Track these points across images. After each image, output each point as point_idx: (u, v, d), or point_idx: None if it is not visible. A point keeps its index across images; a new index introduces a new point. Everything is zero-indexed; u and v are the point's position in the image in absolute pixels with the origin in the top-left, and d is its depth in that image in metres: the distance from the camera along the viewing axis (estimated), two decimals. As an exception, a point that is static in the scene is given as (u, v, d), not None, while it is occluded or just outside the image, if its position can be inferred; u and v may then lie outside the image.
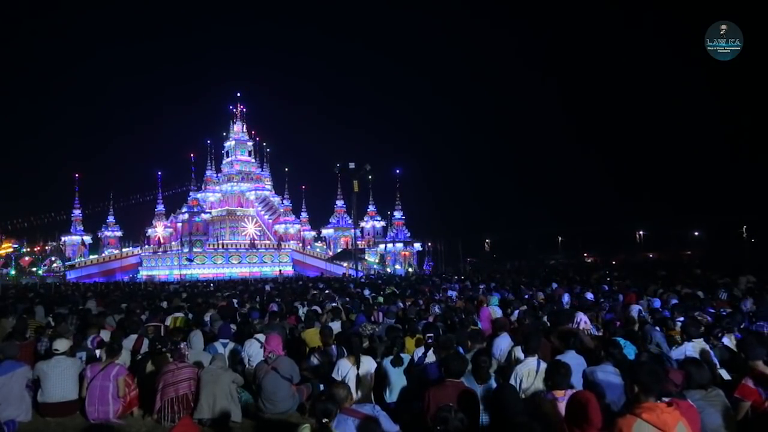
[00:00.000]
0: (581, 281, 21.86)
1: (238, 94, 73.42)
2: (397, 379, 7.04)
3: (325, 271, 58.02)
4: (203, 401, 6.78)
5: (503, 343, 8.15)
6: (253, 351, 8.57)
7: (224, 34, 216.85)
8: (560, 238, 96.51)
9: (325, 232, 71.18)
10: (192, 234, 58.30)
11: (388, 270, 60.28)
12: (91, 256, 62.74)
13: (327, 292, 20.58)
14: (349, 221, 65.97)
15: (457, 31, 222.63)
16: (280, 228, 66.33)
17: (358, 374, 6.99)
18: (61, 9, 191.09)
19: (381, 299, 15.97)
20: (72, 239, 63.52)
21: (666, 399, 4.29)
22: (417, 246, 70.57)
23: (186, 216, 60.19)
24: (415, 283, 27.20)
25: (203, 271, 55.67)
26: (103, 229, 65.61)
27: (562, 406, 5.04)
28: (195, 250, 57.58)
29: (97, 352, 8.66)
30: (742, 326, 9.08)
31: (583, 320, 10.10)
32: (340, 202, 69.98)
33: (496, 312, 11.66)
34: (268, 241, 65.28)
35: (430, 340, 7.81)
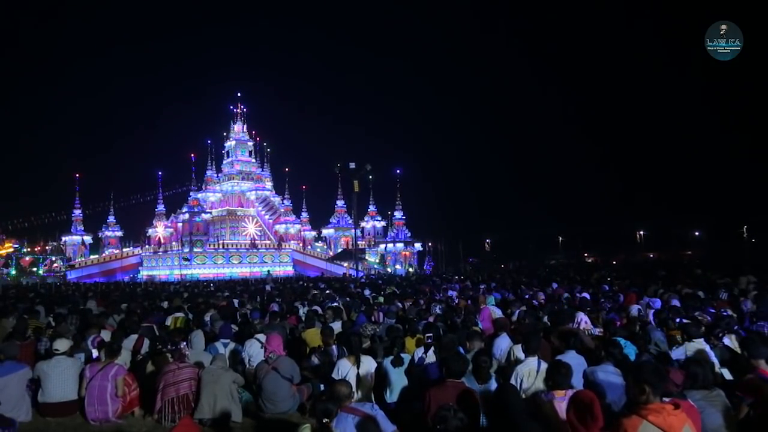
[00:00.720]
0: (581, 281, 21.85)
1: (239, 94, 73.48)
2: (398, 379, 7.04)
3: (326, 271, 57.99)
4: (204, 401, 6.79)
5: (504, 343, 8.15)
6: (254, 351, 8.57)
7: (224, 35, 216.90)
8: (560, 238, 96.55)
9: (325, 232, 71.14)
10: (192, 234, 58.30)
11: (389, 270, 60.28)
12: (92, 256, 62.73)
13: (327, 292, 20.59)
14: (350, 221, 65.92)
15: (458, 31, 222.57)
16: (280, 228, 66.30)
17: (358, 374, 6.99)
18: (62, 9, 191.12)
19: (381, 299, 15.97)
20: (72, 239, 63.47)
21: (667, 399, 4.26)
22: (417, 246, 70.53)
23: (186, 216, 60.16)
24: (416, 283, 27.20)
25: (204, 271, 55.63)
26: (103, 229, 65.56)
27: (562, 406, 5.04)
28: (195, 250, 57.57)
29: (94, 352, 8.67)
30: (743, 326, 9.07)
31: (583, 320, 10.10)
32: (340, 202, 69.93)
33: (496, 312, 11.67)
34: (268, 241, 65.26)
35: (429, 340, 7.83)
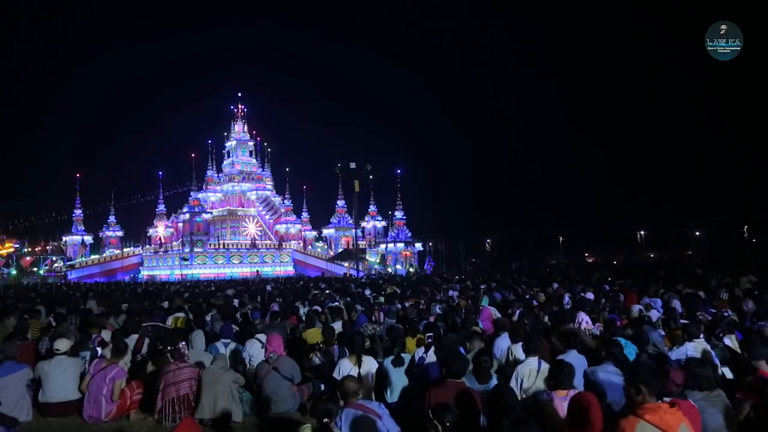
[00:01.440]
0: (582, 281, 21.82)
1: (239, 94, 73.68)
2: (398, 379, 7.04)
3: (326, 271, 58.01)
4: (204, 401, 6.79)
5: (504, 343, 8.14)
6: (255, 351, 8.57)
7: (225, 35, 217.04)
8: (561, 238, 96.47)
9: (326, 232, 71.15)
10: (193, 234, 58.35)
11: (389, 270, 60.26)
12: (92, 256, 62.79)
13: (328, 292, 20.58)
14: (350, 221, 65.95)
15: (458, 30, 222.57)
16: (281, 228, 66.32)
17: (359, 374, 6.99)
18: (63, 9, 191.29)
19: (382, 299, 15.96)
20: (73, 239, 63.50)
21: (667, 399, 4.27)
22: (418, 246, 70.55)
23: (187, 216, 60.21)
24: (416, 283, 27.19)
25: (204, 271, 55.68)
26: (104, 229, 65.61)
27: (564, 406, 5.04)
28: (196, 250, 57.61)
29: (99, 350, 8.66)
30: (743, 326, 9.06)
31: (584, 320, 10.09)
32: (341, 202, 69.95)
33: (494, 312, 11.68)
34: (269, 241, 65.29)
35: (430, 340, 7.83)
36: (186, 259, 55.16)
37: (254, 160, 73.35)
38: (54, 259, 62.29)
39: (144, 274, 58.67)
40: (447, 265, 70.56)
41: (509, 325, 9.24)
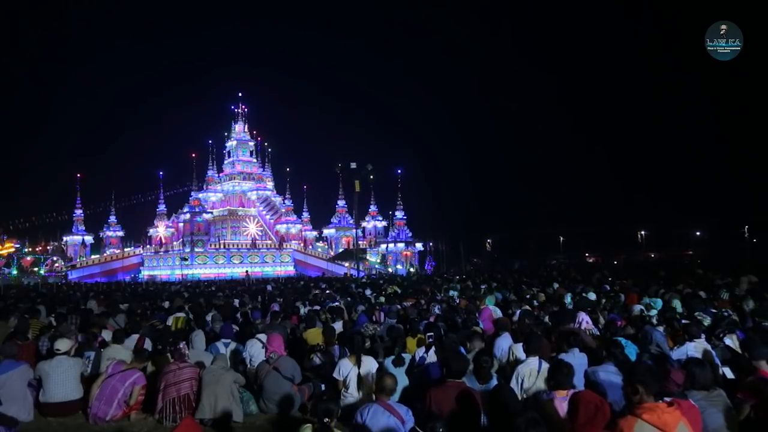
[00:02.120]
0: (583, 281, 21.83)
1: (240, 94, 73.59)
2: (399, 379, 7.03)
3: (327, 271, 58.02)
4: (205, 401, 6.79)
5: (505, 343, 8.14)
6: (255, 351, 8.58)
7: (226, 35, 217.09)
8: (561, 238, 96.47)
9: (326, 232, 71.08)
10: (193, 234, 58.34)
11: (390, 270, 60.24)
12: (93, 256, 62.75)
13: (328, 292, 20.59)
14: (351, 221, 65.91)
15: (458, 30, 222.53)
16: (281, 228, 66.29)
17: (359, 374, 6.99)
18: (63, 9, 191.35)
19: (383, 299, 15.97)
20: (73, 239, 63.45)
21: (667, 399, 4.28)
22: (419, 246, 70.50)
23: (188, 216, 60.17)
24: (417, 283, 27.19)
25: (205, 271, 55.66)
26: (104, 229, 65.52)
27: (563, 406, 5.04)
28: (197, 250, 57.60)
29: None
30: (744, 326, 9.05)
31: (585, 320, 10.09)
32: (341, 202, 69.83)
33: (495, 312, 11.68)
34: (269, 241, 65.28)
35: (430, 340, 7.83)
36: (186, 259, 55.13)
37: (255, 160, 73.36)
38: (54, 259, 62.27)
39: (144, 274, 58.63)
40: (447, 265, 70.50)
41: (510, 325, 9.25)
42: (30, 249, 63.40)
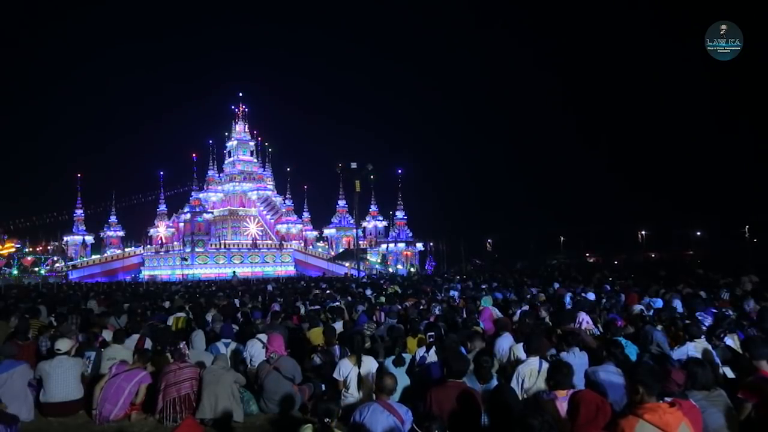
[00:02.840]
0: (583, 281, 21.83)
1: (240, 94, 73.55)
2: (399, 379, 7.03)
3: (327, 271, 58.00)
4: (205, 401, 6.79)
5: (505, 343, 8.15)
6: (256, 351, 8.58)
7: (226, 34, 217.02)
8: (562, 238, 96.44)
9: (327, 231, 71.10)
10: (194, 234, 58.36)
11: (390, 270, 60.25)
12: (94, 256, 62.80)
13: (329, 292, 20.60)
14: (351, 221, 65.94)
15: (459, 29, 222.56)
16: (282, 228, 66.33)
17: (359, 374, 7.00)
18: (63, 9, 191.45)
19: (383, 299, 15.98)
20: (74, 239, 63.53)
21: (668, 399, 4.28)
22: (419, 246, 70.50)
23: (188, 216, 60.19)
24: (417, 283, 27.20)
25: (205, 271, 55.67)
26: (105, 229, 65.58)
27: (564, 406, 5.04)
28: (197, 250, 57.62)
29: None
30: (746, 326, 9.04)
31: (585, 320, 10.10)
32: (342, 202, 69.84)
33: (495, 312, 11.69)
34: (270, 241, 65.27)
35: (431, 340, 7.83)
36: (186, 259, 55.17)
37: (255, 160, 73.37)
38: (55, 259, 62.27)
39: (145, 274, 58.63)
40: (448, 264, 70.51)
41: (510, 325, 9.26)
42: (30, 249, 63.35)
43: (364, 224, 69.64)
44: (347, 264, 58.10)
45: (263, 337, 8.74)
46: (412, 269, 62.65)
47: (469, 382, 5.85)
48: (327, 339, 8.67)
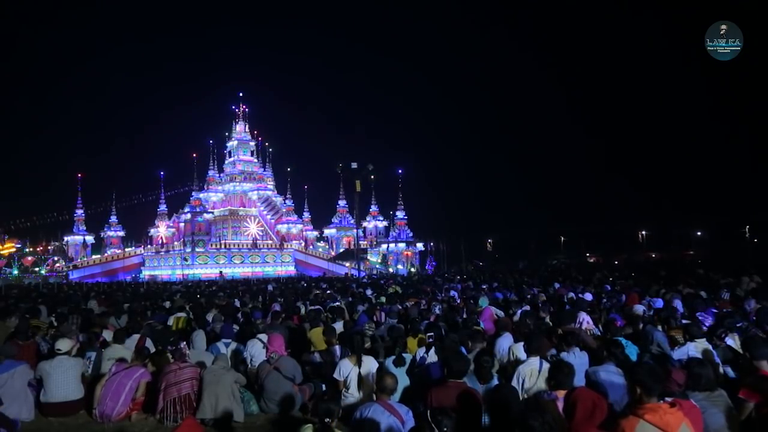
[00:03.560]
0: (583, 281, 21.82)
1: (240, 94, 73.56)
2: (399, 379, 7.03)
3: (328, 271, 58.00)
4: (206, 401, 6.79)
5: (506, 343, 8.15)
6: (256, 351, 8.57)
7: (226, 35, 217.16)
8: (562, 238, 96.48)
9: (327, 232, 71.11)
10: (194, 234, 58.34)
11: (391, 270, 60.24)
12: (94, 256, 62.79)
13: (329, 292, 20.60)
14: (352, 221, 65.96)
15: (459, 30, 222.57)
16: (282, 228, 66.32)
17: (359, 374, 7.00)
18: (63, 9, 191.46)
19: (383, 299, 15.98)
20: (74, 239, 63.51)
21: (669, 399, 4.28)
22: (419, 246, 70.48)
23: (188, 216, 60.17)
24: (418, 283, 27.19)
25: (206, 271, 55.68)
26: (105, 229, 65.59)
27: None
28: (197, 250, 57.60)
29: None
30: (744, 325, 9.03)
31: (585, 320, 10.09)
32: (342, 202, 69.87)
33: (495, 312, 11.68)
34: (270, 241, 65.26)
35: (431, 340, 7.83)
36: (186, 260, 55.20)
37: (255, 160, 73.37)
38: (55, 259, 62.30)
39: (145, 274, 58.69)
40: (448, 265, 70.49)
41: (511, 325, 9.26)
42: (31, 249, 63.37)
43: (365, 224, 69.65)
44: (348, 264, 58.12)
45: (263, 337, 8.74)
46: (412, 269, 62.64)
47: (469, 382, 5.84)
48: (327, 339, 8.68)
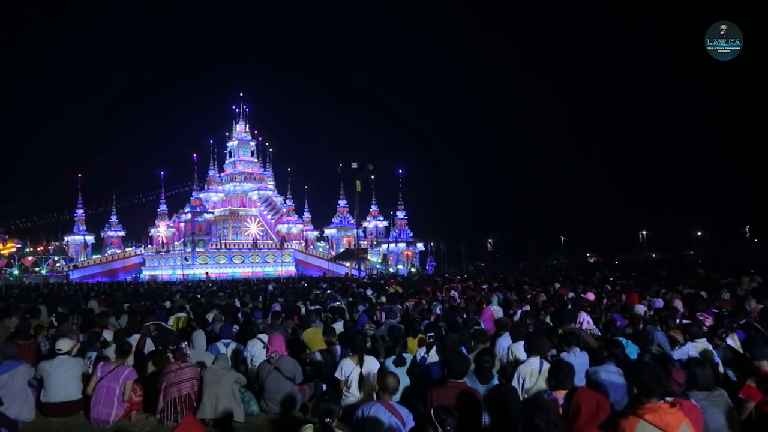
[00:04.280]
0: (584, 281, 21.82)
1: (241, 94, 73.63)
2: (400, 379, 7.03)
3: (328, 271, 58.05)
4: (206, 401, 6.79)
5: (506, 343, 8.14)
6: (256, 351, 8.57)
7: (227, 35, 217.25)
8: (563, 238, 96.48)
9: (327, 231, 71.13)
10: (195, 234, 58.38)
11: (391, 270, 60.24)
12: (94, 256, 62.85)
13: (329, 292, 20.60)
14: (352, 221, 65.98)
15: (459, 30, 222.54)
16: (282, 228, 66.35)
17: (361, 374, 6.99)
18: (63, 8, 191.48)
19: (384, 299, 15.98)
20: (75, 239, 63.55)
21: (669, 399, 4.28)
22: (420, 246, 70.49)
23: (189, 216, 60.20)
24: (418, 283, 27.19)
25: (206, 271, 55.69)
26: (106, 229, 65.62)
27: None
28: (198, 250, 57.62)
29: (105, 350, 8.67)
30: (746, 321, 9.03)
31: (586, 320, 10.09)
32: (342, 202, 69.89)
33: (498, 312, 11.67)
34: (270, 241, 65.30)
35: (431, 340, 7.82)
36: (187, 260, 55.23)
37: (256, 160, 73.43)
38: (56, 259, 62.35)
39: (146, 274, 58.74)
40: (449, 265, 70.49)
41: (511, 325, 9.25)
42: (31, 249, 63.43)
43: (365, 224, 69.66)
44: (348, 264, 58.11)
45: (264, 337, 8.74)
46: (412, 269, 62.64)
47: (469, 382, 5.84)
48: (327, 338, 8.67)
